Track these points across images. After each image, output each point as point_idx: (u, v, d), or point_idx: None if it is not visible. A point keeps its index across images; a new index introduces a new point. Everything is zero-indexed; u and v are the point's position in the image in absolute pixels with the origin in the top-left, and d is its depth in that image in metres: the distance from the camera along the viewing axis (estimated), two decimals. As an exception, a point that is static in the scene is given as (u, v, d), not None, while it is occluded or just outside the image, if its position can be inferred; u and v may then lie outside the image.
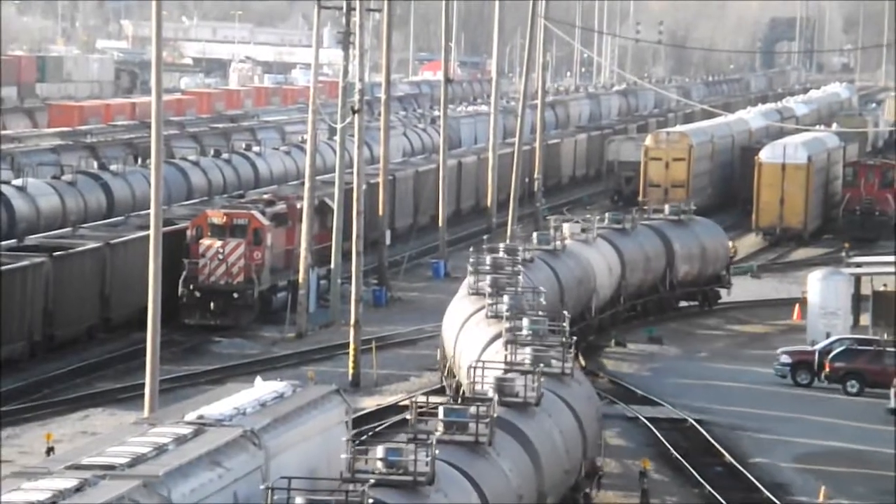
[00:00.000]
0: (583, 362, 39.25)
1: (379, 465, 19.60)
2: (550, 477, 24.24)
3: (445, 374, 35.76)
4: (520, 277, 35.06)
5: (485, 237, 44.15)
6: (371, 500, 18.08)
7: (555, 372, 27.06)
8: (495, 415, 22.47)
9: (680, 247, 49.34)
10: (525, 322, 28.96)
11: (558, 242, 42.73)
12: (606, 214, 48.20)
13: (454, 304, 36.37)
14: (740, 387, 41.32)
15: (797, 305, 49.89)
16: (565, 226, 44.93)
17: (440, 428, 21.91)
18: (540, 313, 30.53)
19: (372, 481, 18.76)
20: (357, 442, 19.87)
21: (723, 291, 52.34)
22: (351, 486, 18.62)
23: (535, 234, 43.55)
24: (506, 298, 31.79)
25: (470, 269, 36.89)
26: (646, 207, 51.22)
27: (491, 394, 23.90)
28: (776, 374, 41.68)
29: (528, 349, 27.13)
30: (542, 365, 26.10)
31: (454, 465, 20.85)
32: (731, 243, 53.45)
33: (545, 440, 24.45)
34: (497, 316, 31.43)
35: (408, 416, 22.28)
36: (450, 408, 22.06)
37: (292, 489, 18.39)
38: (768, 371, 41.94)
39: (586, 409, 27.33)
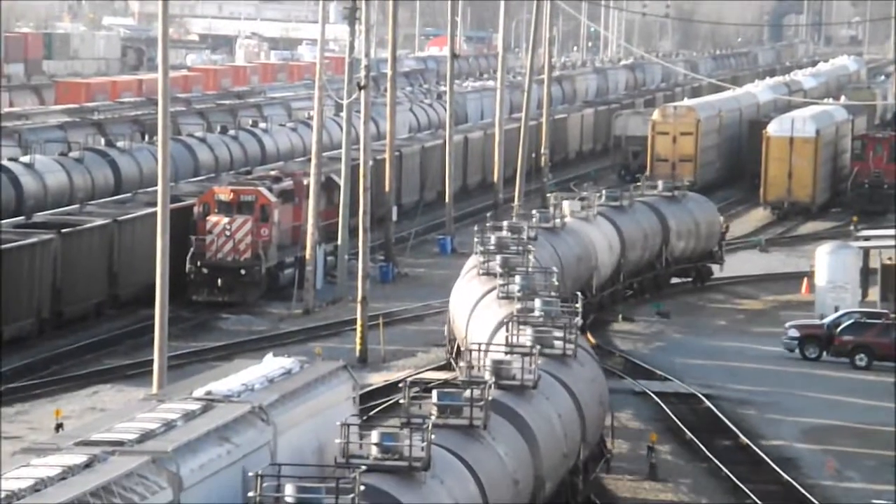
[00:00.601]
0: (593, 340, 39.11)
1: (374, 450, 19.33)
2: (548, 460, 23.87)
3: (454, 355, 35.61)
4: (531, 257, 34.76)
5: (488, 214, 43.73)
6: (363, 487, 17.74)
7: (556, 353, 26.68)
8: (490, 398, 22.03)
9: (675, 223, 49.14)
10: (537, 303, 28.63)
11: (558, 220, 42.42)
12: (603, 191, 47.83)
13: (463, 284, 35.98)
14: (748, 361, 41.33)
15: (805, 279, 49.85)
16: (565, 203, 44.58)
17: (434, 412, 21.40)
18: (552, 294, 30.19)
19: (363, 468, 18.33)
20: (350, 425, 19.45)
21: (715, 268, 51.84)
22: (344, 473, 18.47)
23: (535, 212, 43.24)
24: (517, 279, 31.43)
25: (478, 248, 36.69)
26: (639, 184, 50.72)
27: (487, 376, 23.54)
28: (784, 348, 41.68)
29: (529, 330, 26.66)
30: (539, 347, 25.66)
31: (449, 450, 20.55)
32: (722, 219, 53.05)
33: (542, 424, 24.00)
34: (509, 297, 31.00)
35: (401, 400, 21.96)
36: (444, 391, 21.68)
37: (282, 476, 18.18)
38: (777, 345, 41.94)
39: (587, 391, 26.69)
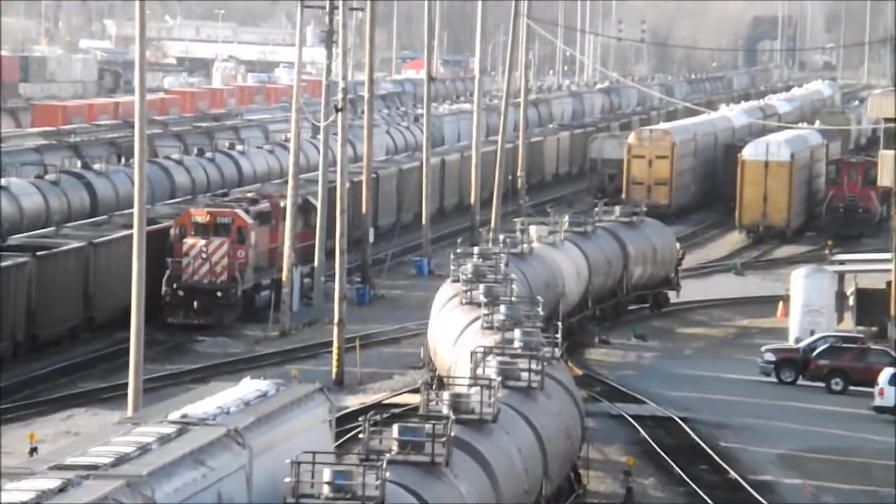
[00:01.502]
0: (578, 371, 38.72)
1: (325, 489, 18.68)
2: (509, 498, 22.98)
3: (434, 385, 35.16)
4: (514, 287, 33.85)
5: (458, 241, 42.85)
6: None
7: (520, 385, 25.58)
8: (452, 433, 21.09)
9: (634, 249, 48.39)
10: (517, 333, 28.03)
11: (526, 245, 41.75)
12: (566, 217, 46.83)
13: (446, 314, 35.09)
14: (725, 384, 41.38)
15: (781, 303, 49.99)
16: (532, 228, 43.76)
17: (394, 447, 20.56)
18: (536, 324, 29.59)
19: None
20: (301, 463, 18.68)
21: (671, 294, 50.97)
22: None
23: (502, 237, 42.41)
24: (503, 308, 30.59)
25: (457, 275, 36.14)
26: (597, 209, 49.95)
27: (445, 410, 22.60)
28: (760, 371, 41.74)
29: (494, 361, 25.80)
30: (500, 380, 24.46)
31: (407, 488, 19.54)
32: (678, 245, 52.38)
33: (502, 459, 23.02)
34: (492, 327, 30.12)
35: (360, 434, 20.97)
36: (405, 426, 20.81)
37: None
38: (753, 369, 41.99)
39: (551, 425, 25.65)
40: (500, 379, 25.01)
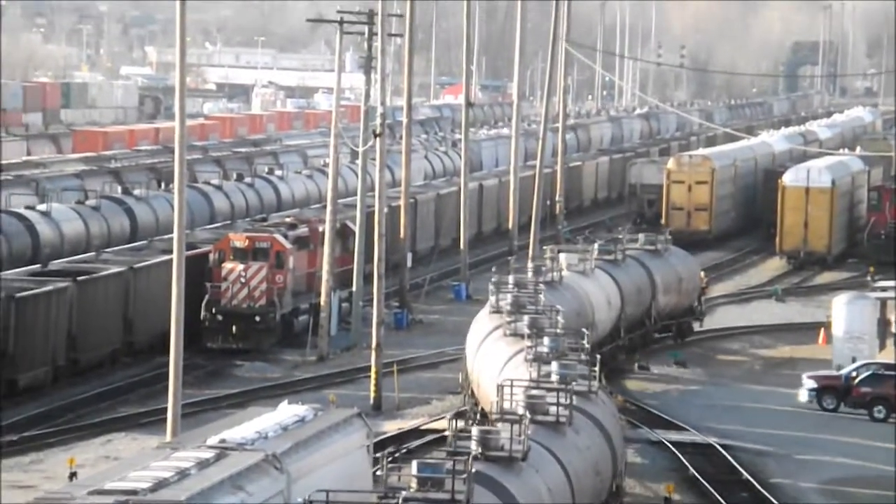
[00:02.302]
0: (620, 399, 38.01)
1: None
2: None
3: (478, 418, 34.71)
4: (559, 318, 33.08)
5: (493, 269, 41.80)
6: None
7: (548, 420, 24.76)
8: (473, 470, 20.13)
9: (660, 278, 46.92)
10: (554, 366, 27.50)
11: (556, 274, 40.82)
12: (595, 245, 45.55)
13: (491, 345, 34.36)
14: (765, 411, 41.08)
15: (822, 330, 49.62)
16: (562, 256, 42.63)
17: (413, 484, 19.66)
18: (583, 357, 28.98)
19: None
20: (314, 502, 18.08)
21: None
22: None
23: (530, 265, 41.38)
24: (546, 340, 29.81)
25: (500, 306, 35.49)
26: (620, 237, 48.17)
27: (473, 446, 21.79)
28: (802, 399, 41.42)
29: (521, 395, 24.88)
30: (529, 415, 23.45)
31: None
32: (702, 273, 51.03)
33: (531, 500, 22.00)
34: (538, 360, 29.07)
35: (378, 471, 20.40)
36: (424, 462, 19.98)
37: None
38: (794, 396, 41.67)
39: (579, 461, 24.68)
40: (528, 414, 24.29)
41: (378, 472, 20.57)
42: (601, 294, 42.97)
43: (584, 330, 32.63)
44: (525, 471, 22.43)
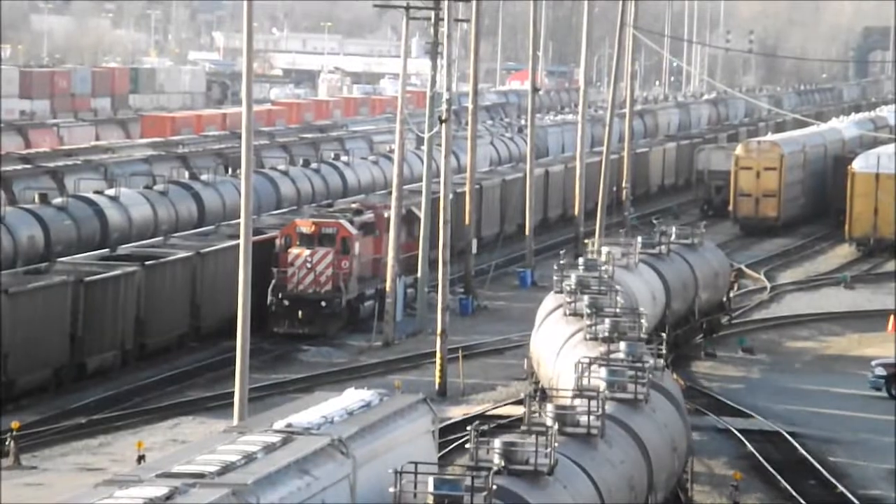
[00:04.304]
0: (682, 383, 37.43)
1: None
2: None
3: (538, 396, 34.54)
4: (619, 298, 32.58)
5: (561, 252, 40.89)
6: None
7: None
8: (493, 486, 18.89)
9: (701, 273, 44.98)
10: (623, 345, 27.33)
11: (606, 268, 38.78)
12: (639, 238, 43.78)
13: (550, 325, 34.01)
14: (834, 399, 40.72)
15: (892, 317, 49.08)
16: (605, 249, 40.92)
17: (430, 502, 18.84)
18: (641, 336, 28.75)
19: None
20: None
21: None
22: None
23: (580, 260, 39.72)
24: (606, 321, 29.60)
25: (563, 287, 35.41)
26: (663, 229, 45.73)
27: (496, 460, 20.30)
28: (871, 386, 41.03)
29: (549, 406, 23.05)
30: (557, 426, 21.70)
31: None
32: (732, 268, 49.06)
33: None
34: (595, 338, 29.12)
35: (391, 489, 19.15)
36: (442, 479, 18.86)
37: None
38: (863, 384, 41.28)
39: (611, 476, 22.62)
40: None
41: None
42: (646, 289, 41.30)
43: (641, 309, 32.55)
44: (552, 486, 20.82)
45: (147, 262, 42.40)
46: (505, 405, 37.48)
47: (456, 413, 37.08)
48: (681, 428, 26.91)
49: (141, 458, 29.98)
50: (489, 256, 58.79)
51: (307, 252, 45.89)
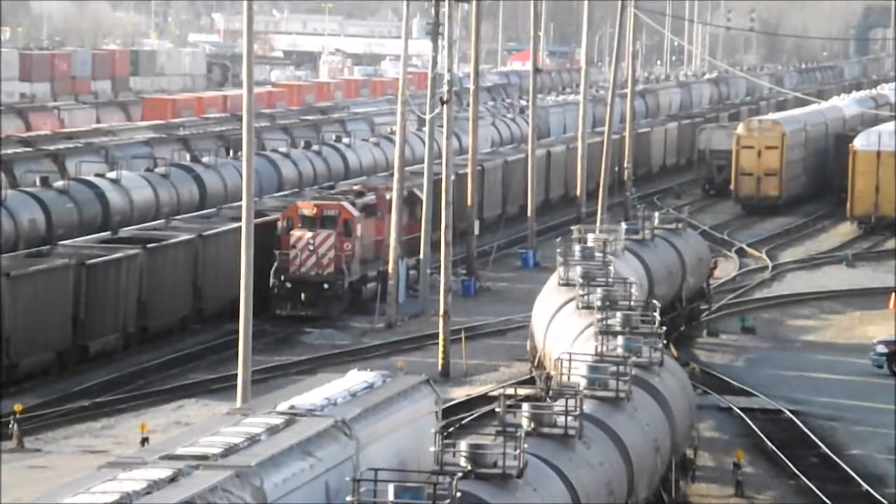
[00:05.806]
0: (693, 366, 37.03)
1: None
2: None
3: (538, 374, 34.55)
4: (633, 291, 31.85)
5: (558, 240, 40.39)
6: None
7: (555, 433, 21.81)
8: (457, 494, 18.07)
9: (688, 259, 44.10)
10: (620, 341, 26.51)
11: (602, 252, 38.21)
12: (622, 224, 43.13)
13: (564, 319, 33.22)
14: (836, 377, 40.78)
15: (893, 295, 49.11)
16: (589, 236, 40.22)
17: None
18: (654, 329, 28.09)
19: None
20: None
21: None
22: None
23: (576, 248, 38.83)
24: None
25: (570, 279, 35.00)
26: (644, 214, 44.65)
27: (462, 463, 19.47)
28: (872, 364, 41.08)
29: (525, 406, 21.92)
30: (525, 428, 20.97)
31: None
32: (711, 255, 48.40)
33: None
34: (606, 332, 27.83)
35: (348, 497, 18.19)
36: (402, 486, 17.97)
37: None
38: (864, 361, 41.34)
39: (588, 479, 21.79)
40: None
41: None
42: (632, 276, 39.17)
43: (654, 302, 32.18)
44: (520, 489, 19.88)
45: (149, 245, 42.43)
46: (510, 385, 37.49)
47: (459, 394, 37.14)
48: (665, 426, 26.01)
49: (144, 441, 30.06)
50: (491, 237, 58.79)
51: (309, 234, 45.90)
